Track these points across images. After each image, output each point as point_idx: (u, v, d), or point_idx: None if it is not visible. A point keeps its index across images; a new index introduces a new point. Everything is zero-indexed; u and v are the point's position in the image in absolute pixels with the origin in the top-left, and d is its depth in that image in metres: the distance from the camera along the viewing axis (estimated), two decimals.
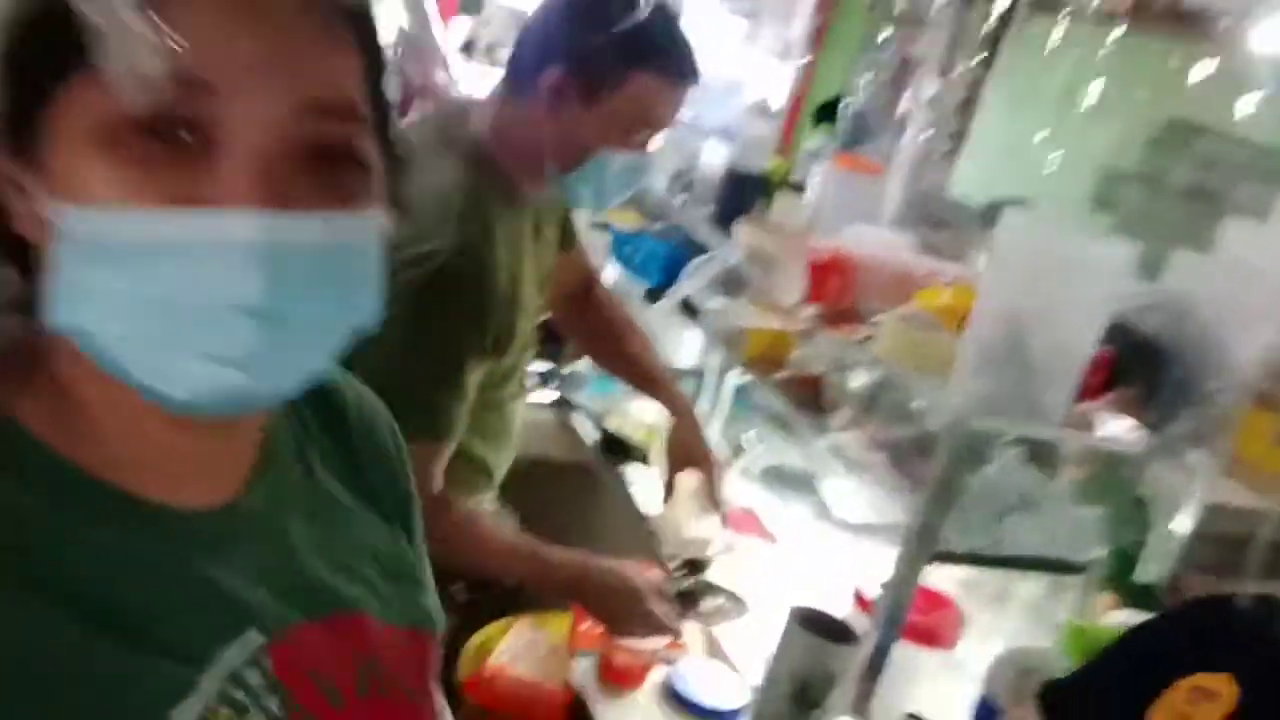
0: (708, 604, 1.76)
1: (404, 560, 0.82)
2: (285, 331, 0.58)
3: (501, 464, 1.67)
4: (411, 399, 1.35)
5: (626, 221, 2.29)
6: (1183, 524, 1.51)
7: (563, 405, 2.66)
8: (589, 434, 2.46)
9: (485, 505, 1.69)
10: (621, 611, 1.56)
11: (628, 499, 2.19)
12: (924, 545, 1.40)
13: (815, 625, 1.26)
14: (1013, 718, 1.04)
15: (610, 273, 2.43)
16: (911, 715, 1.46)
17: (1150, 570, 1.54)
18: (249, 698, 0.62)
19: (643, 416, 2.48)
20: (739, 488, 2.23)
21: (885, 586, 1.42)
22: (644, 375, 1.94)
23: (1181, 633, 0.87)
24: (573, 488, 2.55)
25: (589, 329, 1.96)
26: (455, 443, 1.42)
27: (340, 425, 0.80)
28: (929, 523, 1.38)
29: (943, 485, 1.38)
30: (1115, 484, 1.49)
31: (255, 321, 0.56)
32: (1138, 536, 1.52)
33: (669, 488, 1.90)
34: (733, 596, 1.81)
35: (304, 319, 0.59)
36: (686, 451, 1.89)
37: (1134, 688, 0.91)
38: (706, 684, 1.66)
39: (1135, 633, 1.03)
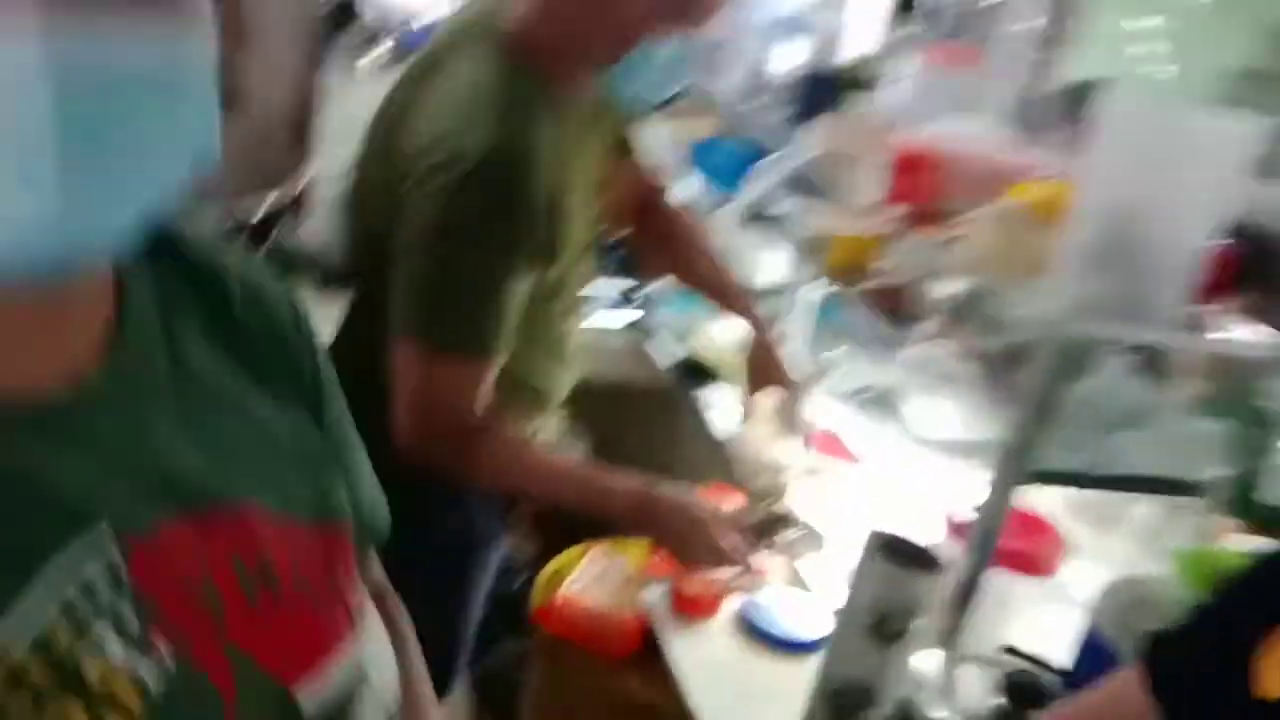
0: (783, 535, 1.66)
1: (307, 447, 0.71)
2: (95, 155, 0.48)
3: (557, 386, 1.56)
4: (444, 314, 1.27)
5: (702, 130, 2.17)
6: None
7: (639, 327, 2.57)
8: (667, 356, 2.37)
9: (544, 431, 1.60)
10: (686, 542, 1.45)
11: (704, 423, 2.09)
12: (1019, 464, 1.27)
13: (895, 552, 1.14)
14: (1119, 679, 0.91)
15: (691, 184, 2.31)
16: (1008, 648, 1.35)
17: (1276, 491, 1.39)
18: (94, 610, 0.53)
19: (724, 337, 2.38)
20: (823, 409, 2.11)
21: (978, 510, 1.30)
22: (716, 288, 1.82)
23: None
24: (648, 412, 2.46)
25: (655, 241, 1.83)
26: (498, 361, 1.32)
27: (219, 298, 0.68)
28: (1025, 439, 1.26)
29: (1041, 398, 1.24)
30: (1238, 396, 1.34)
31: (55, 144, 0.46)
32: (1262, 454, 1.36)
33: (747, 409, 1.79)
34: (809, 529, 1.70)
35: (115, 139, 0.49)
36: (764, 370, 1.78)
37: (1245, 632, 0.78)
38: (783, 614, 1.57)
39: (1250, 569, 0.88)
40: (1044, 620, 1.45)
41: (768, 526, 1.65)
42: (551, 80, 1.34)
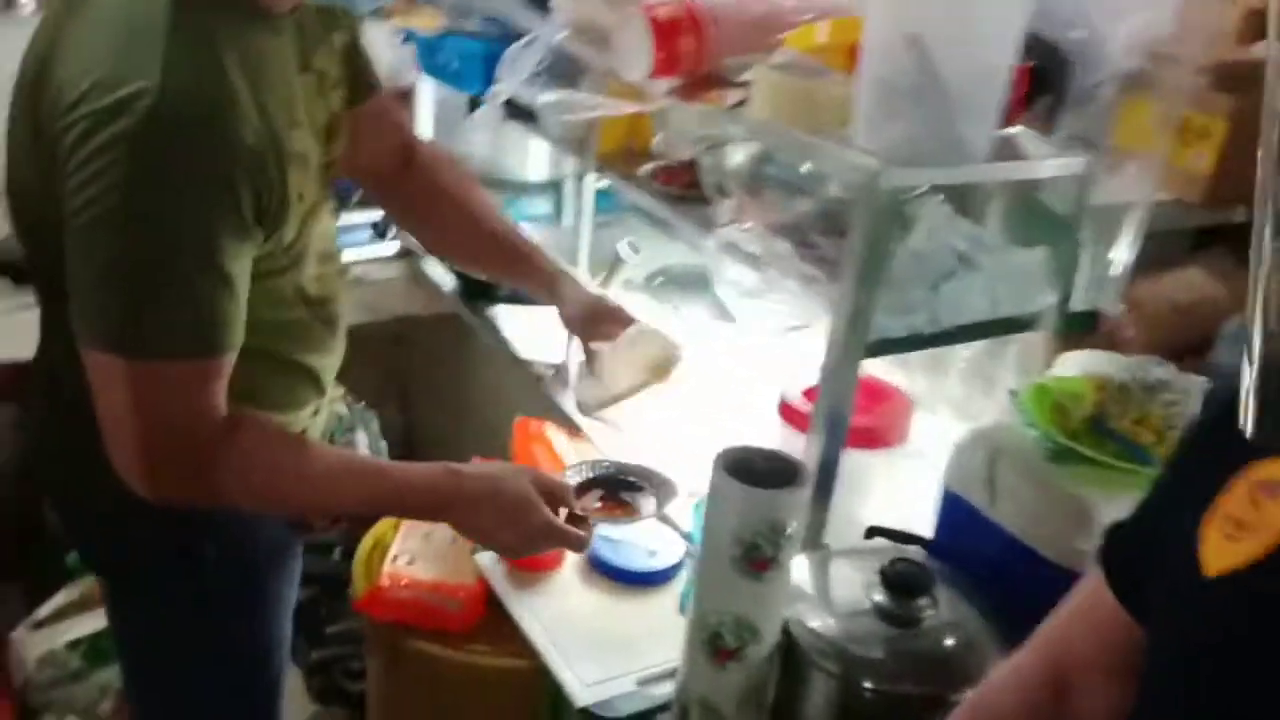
0: (626, 495, 1.41)
1: None
2: None
3: (323, 362, 1.29)
4: (142, 312, 0.98)
5: (426, 23, 1.91)
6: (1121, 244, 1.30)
7: (410, 255, 2.34)
8: (445, 280, 2.16)
9: (319, 419, 1.33)
10: (508, 529, 1.19)
11: (503, 345, 1.91)
12: (857, 336, 1.16)
13: (749, 470, 1.01)
14: (1086, 586, 0.84)
15: (424, 90, 2.07)
16: (874, 529, 1.26)
17: (1090, 296, 1.33)
18: None
19: None
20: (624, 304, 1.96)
21: (820, 390, 1.18)
22: (504, 257, 1.53)
23: (1226, 419, 0.65)
24: (435, 345, 2.26)
25: (419, 212, 1.52)
26: (233, 352, 1.05)
27: None
28: (858, 309, 1.14)
29: (866, 260, 1.12)
30: (1051, 216, 1.26)
31: None
32: (1074, 268, 1.30)
33: (597, 367, 1.56)
34: (657, 479, 1.43)
35: None
36: (602, 325, 1.52)
37: (1183, 519, 0.70)
38: (631, 547, 1.44)
39: (1177, 454, 0.84)
40: (904, 491, 1.37)
41: (605, 484, 1.42)
42: None
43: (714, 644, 1.07)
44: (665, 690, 1.21)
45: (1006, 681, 0.93)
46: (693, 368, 1.78)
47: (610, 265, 1.84)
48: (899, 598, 1.11)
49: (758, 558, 1.01)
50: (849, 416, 1.20)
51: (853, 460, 1.26)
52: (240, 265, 1.02)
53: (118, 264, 0.97)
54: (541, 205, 2.36)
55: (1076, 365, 1.36)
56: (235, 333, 1.03)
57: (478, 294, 2.02)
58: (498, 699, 1.53)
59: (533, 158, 2.35)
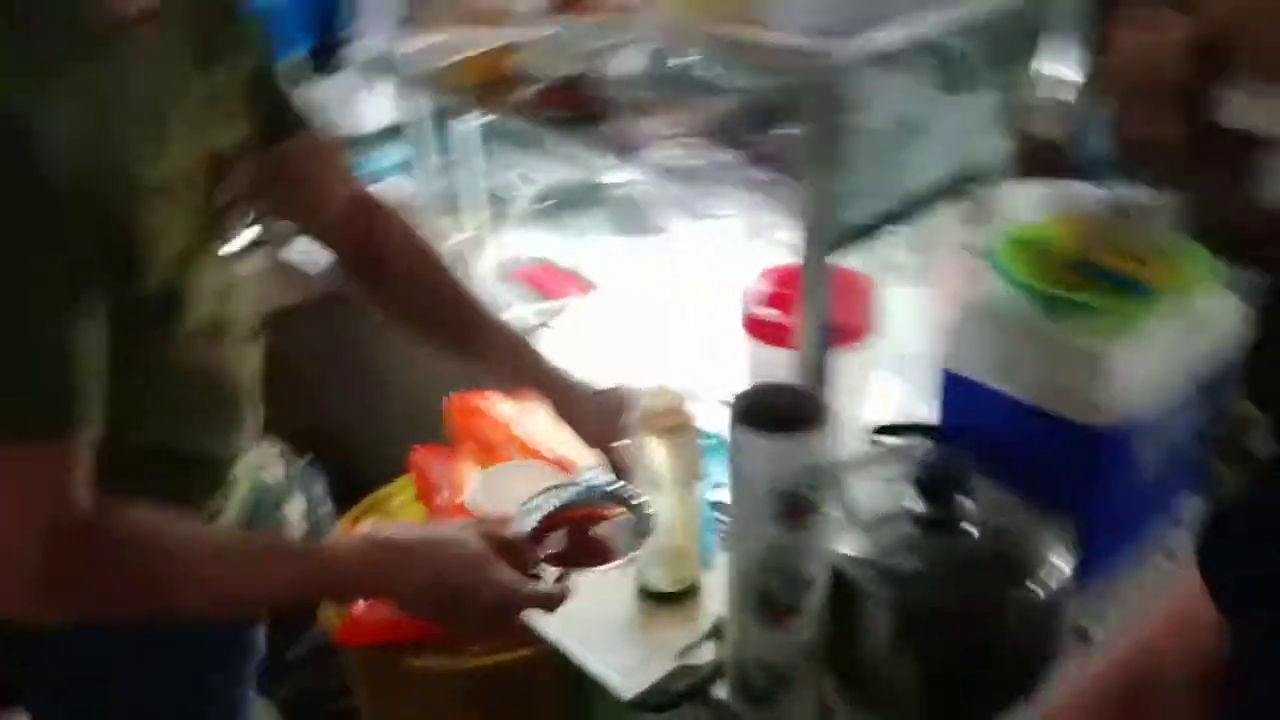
0: (595, 531, 1.15)
1: None
2: None
3: (226, 450, 1.08)
4: None
5: None
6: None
7: (265, 243, 2.12)
8: (312, 260, 1.95)
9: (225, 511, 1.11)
10: (464, 603, 0.98)
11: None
12: (827, 231, 1.05)
13: (766, 414, 0.90)
14: (1183, 592, 0.75)
15: None
16: (881, 429, 1.17)
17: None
18: None
19: None
20: (521, 240, 1.82)
21: (801, 296, 1.08)
22: (471, 329, 1.25)
23: None
24: (319, 334, 2.06)
25: (376, 273, 1.24)
26: (87, 429, 0.84)
27: None
28: (824, 202, 1.03)
29: (824, 150, 1.01)
30: (991, 60, 1.16)
31: None
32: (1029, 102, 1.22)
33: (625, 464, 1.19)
34: (630, 495, 1.15)
35: None
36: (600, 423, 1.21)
37: None
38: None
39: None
40: (888, 383, 1.29)
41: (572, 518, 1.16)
42: None
43: (766, 604, 0.97)
44: (707, 654, 1.12)
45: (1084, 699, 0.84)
46: (635, 295, 1.66)
47: (500, 202, 1.68)
48: (937, 501, 1.03)
49: (800, 507, 0.92)
50: (828, 313, 1.10)
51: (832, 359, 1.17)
52: (78, 322, 0.82)
53: None
54: (391, 155, 2.16)
55: (1036, 207, 1.29)
56: (87, 408, 0.84)
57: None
58: (510, 696, 1.42)
59: (371, 107, 2.14)
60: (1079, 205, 1.27)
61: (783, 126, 1.13)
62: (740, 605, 0.99)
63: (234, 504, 1.11)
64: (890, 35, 1.01)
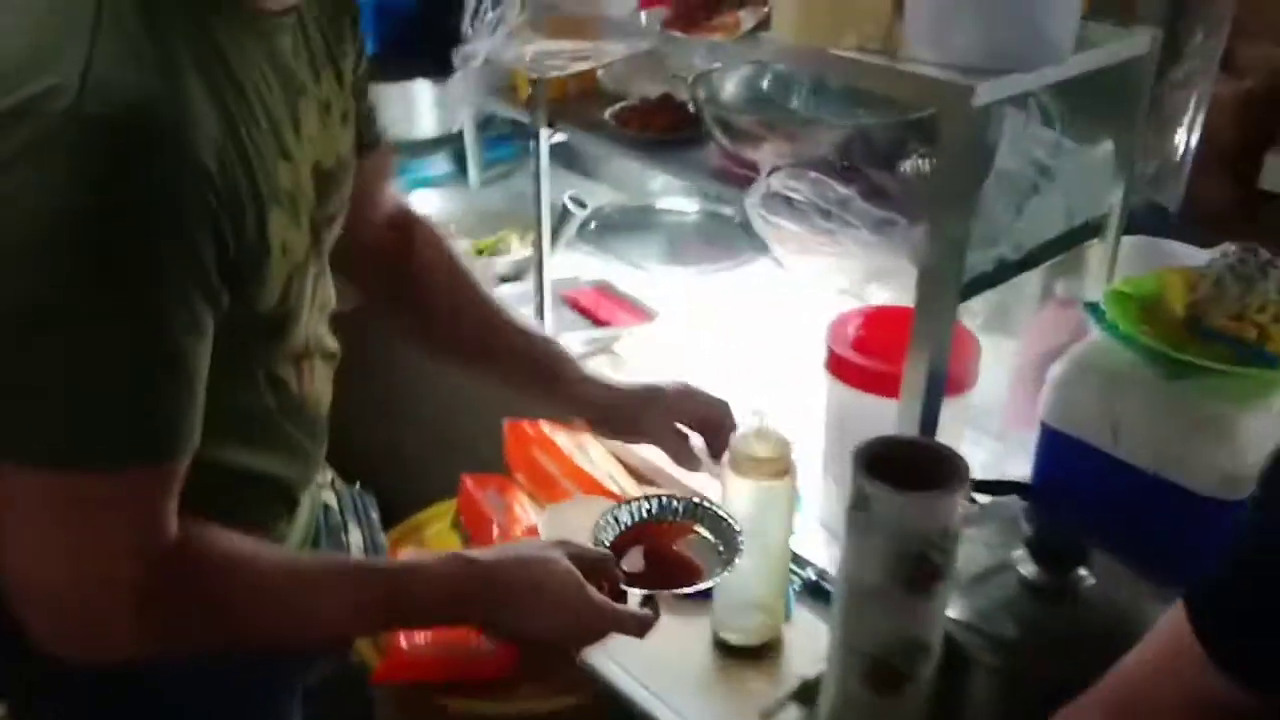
0: (677, 547, 1.05)
1: None
2: None
3: (302, 474, 1.00)
4: (72, 404, 0.71)
5: None
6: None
7: None
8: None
9: (292, 533, 1.03)
10: (553, 620, 0.92)
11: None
12: (953, 276, 0.99)
13: (893, 467, 0.85)
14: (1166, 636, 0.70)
15: None
16: (977, 483, 1.11)
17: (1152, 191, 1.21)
18: None
19: (423, 212, 1.92)
20: (577, 262, 1.76)
21: (915, 344, 1.02)
22: (530, 356, 1.17)
23: None
24: (368, 345, 1.99)
25: (418, 298, 1.17)
26: (188, 455, 0.77)
27: None
28: (953, 244, 0.97)
29: (959, 188, 0.96)
30: (1113, 104, 1.11)
31: None
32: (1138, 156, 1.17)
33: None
34: (707, 513, 1.06)
35: None
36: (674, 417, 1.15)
37: None
38: None
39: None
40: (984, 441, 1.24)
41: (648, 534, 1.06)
42: None
43: (880, 672, 0.91)
44: (792, 716, 1.06)
45: None
46: (699, 328, 1.61)
47: (556, 223, 1.62)
48: (1052, 569, 0.98)
49: (927, 570, 0.86)
50: (946, 367, 1.05)
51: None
52: (198, 340, 0.76)
53: (30, 346, 0.70)
54: (439, 165, 2.11)
55: (1142, 263, 1.25)
56: (192, 430, 0.77)
57: None
58: None
59: (419, 114, 2.09)
60: (1184, 263, 1.23)
61: (901, 163, 1.08)
62: (847, 670, 0.93)
63: (299, 530, 1.04)
64: (1031, 77, 0.96)
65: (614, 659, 1.15)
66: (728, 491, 1.07)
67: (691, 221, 1.97)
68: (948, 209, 0.96)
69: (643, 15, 1.12)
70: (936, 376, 1.03)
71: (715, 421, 1.13)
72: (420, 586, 0.90)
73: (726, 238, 1.91)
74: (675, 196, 2.01)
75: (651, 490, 1.21)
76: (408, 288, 1.16)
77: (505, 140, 2.17)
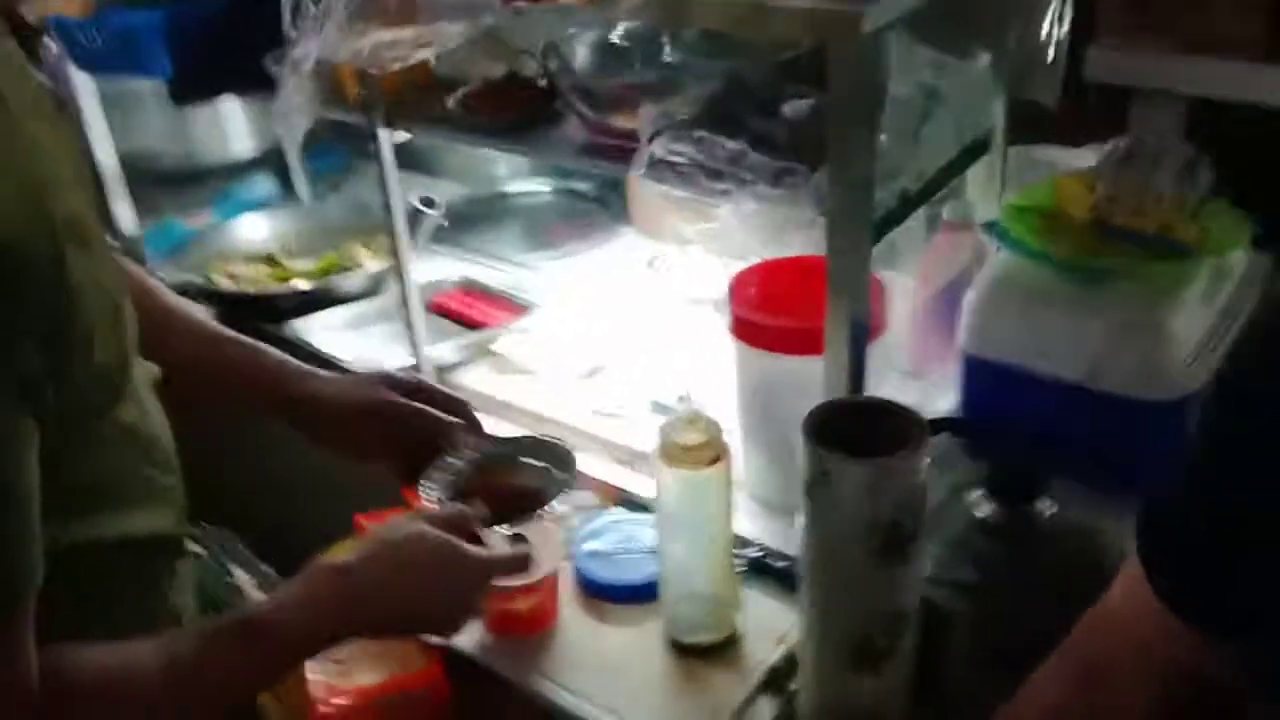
0: (527, 476, 1.05)
1: None
2: None
3: (179, 519, 0.89)
4: None
5: (69, 8, 1.42)
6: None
7: None
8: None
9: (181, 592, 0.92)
10: (444, 594, 0.91)
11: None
12: (864, 217, 0.93)
13: (849, 434, 0.78)
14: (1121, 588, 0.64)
15: (80, 88, 1.58)
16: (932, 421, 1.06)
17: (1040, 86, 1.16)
18: None
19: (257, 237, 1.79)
20: (436, 265, 1.64)
21: (833, 295, 0.96)
22: (252, 364, 1.07)
23: None
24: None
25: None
26: (36, 586, 0.67)
27: None
28: (861, 183, 0.91)
29: (857, 125, 0.89)
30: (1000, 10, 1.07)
31: None
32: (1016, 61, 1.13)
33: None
34: (533, 446, 1.09)
35: None
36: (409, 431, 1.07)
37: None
38: (620, 549, 1.18)
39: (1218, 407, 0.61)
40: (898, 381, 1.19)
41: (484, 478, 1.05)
42: None
43: (861, 650, 0.85)
44: (765, 710, 0.99)
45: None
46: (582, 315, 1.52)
47: (411, 226, 1.50)
48: (1012, 504, 0.93)
49: (901, 538, 0.80)
50: (867, 309, 0.99)
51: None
52: (26, 454, 0.64)
53: None
54: (262, 185, 1.95)
55: (1021, 174, 1.22)
56: (38, 561, 0.66)
57: (249, 317, 1.62)
58: None
59: (232, 134, 1.92)
60: (1064, 167, 1.21)
61: (780, 107, 1.01)
62: (824, 654, 0.87)
63: (189, 590, 0.92)
64: None
65: (559, 680, 1.06)
66: (659, 483, 0.99)
67: (546, 203, 1.88)
68: (849, 148, 0.89)
69: None
70: (859, 325, 0.97)
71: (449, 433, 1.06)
72: (303, 614, 0.84)
73: (585, 214, 1.83)
74: (524, 179, 1.91)
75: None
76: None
77: (328, 150, 2.02)
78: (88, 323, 0.69)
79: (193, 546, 1.06)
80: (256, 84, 1.42)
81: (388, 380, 1.09)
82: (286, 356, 1.08)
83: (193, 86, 1.43)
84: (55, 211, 0.65)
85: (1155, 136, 1.13)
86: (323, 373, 1.09)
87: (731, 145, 0.94)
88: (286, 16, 0.98)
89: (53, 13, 1.42)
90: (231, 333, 1.07)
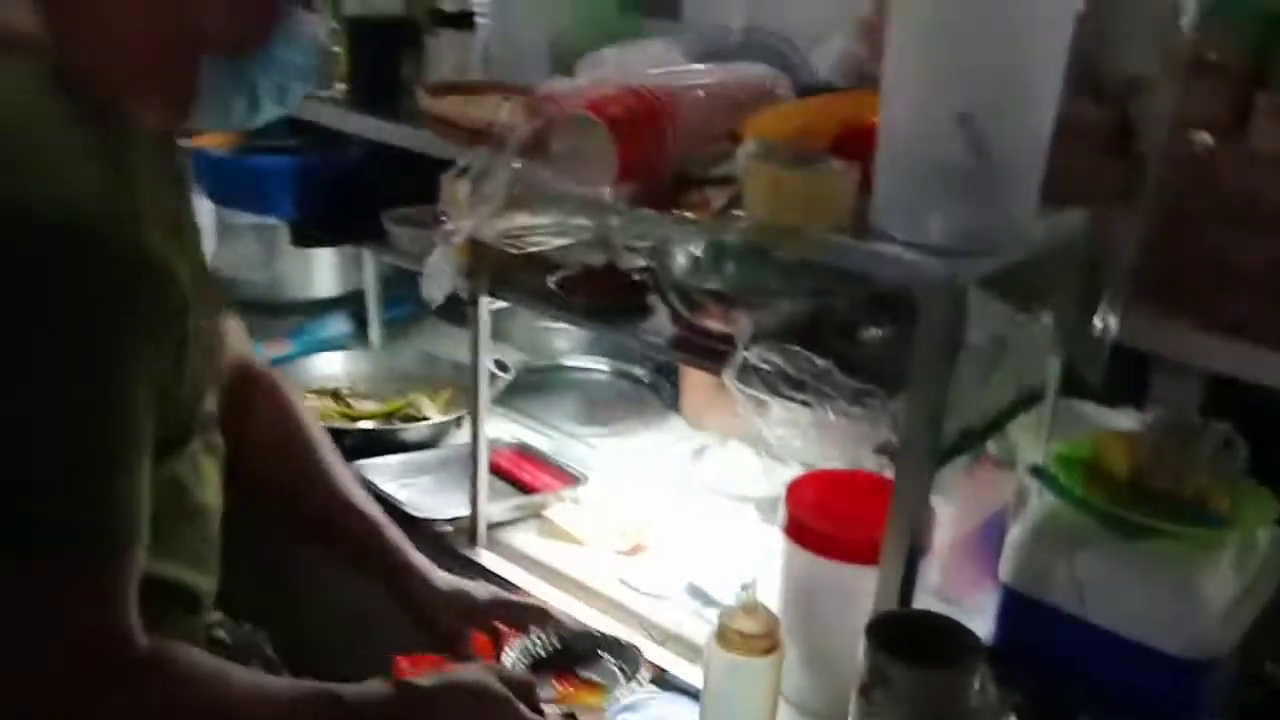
0: (585, 672, 1.22)
1: None
2: None
3: (206, 583, 1.02)
4: (34, 490, 0.76)
5: (215, 141, 1.57)
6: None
7: None
8: None
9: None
10: None
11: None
12: (931, 449, 1.02)
13: (906, 642, 0.84)
14: None
15: (207, 219, 1.71)
16: None
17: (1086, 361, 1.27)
18: None
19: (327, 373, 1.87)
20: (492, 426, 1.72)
21: (896, 512, 1.03)
22: (357, 520, 1.22)
23: None
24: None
25: (253, 442, 1.17)
26: (142, 545, 0.81)
27: None
28: (934, 417, 1.00)
29: (938, 364, 0.99)
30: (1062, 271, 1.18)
31: None
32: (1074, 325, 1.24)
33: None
34: (611, 643, 1.24)
35: None
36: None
37: None
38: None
39: None
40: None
41: (558, 662, 1.22)
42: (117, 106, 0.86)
43: None
44: None
45: None
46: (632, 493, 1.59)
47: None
48: None
49: None
50: (925, 541, 1.06)
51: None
52: (148, 434, 0.81)
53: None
54: (338, 325, 2.06)
55: (1064, 425, 1.30)
56: (145, 517, 0.81)
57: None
58: None
59: (318, 273, 2.04)
60: (1102, 423, 1.30)
61: (860, 333, 1.11)
62: None
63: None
64: (1000, 259, 1.01)
65: None
66: (710, 665, 1.04)
67: (602, 380, 1.98)
68: (928, 382, 0.99)
69: (608, 192, 1.13)
70: (916, 543, 1.04)
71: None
72: (370, 711, 0.94)
73: (637, 397, 1.93)
74: (582, 356, 2.02)
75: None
76: (243, 459, 1.13)
77: (402, 299, 2.14)
78: (194, 365, 0.85)
79: (219, 633, 1.15)
80: (372, 235, 1.55)
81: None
82: (403, 538, 1.22)
83: (313, 231, 1.54)
84: (190, 261, 0.85)
85: (1176, 407, 1.23)
86: (419, 563, 1.22)
87: (820, 362, 1.03)
88: (444, 199, 1.09)
89: (199, 144, 1.55)
90: (361, 497, 1.21)
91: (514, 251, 1.12)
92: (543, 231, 1.10)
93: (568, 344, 2.03)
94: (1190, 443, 1.16)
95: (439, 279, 1.15)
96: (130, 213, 0.78)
